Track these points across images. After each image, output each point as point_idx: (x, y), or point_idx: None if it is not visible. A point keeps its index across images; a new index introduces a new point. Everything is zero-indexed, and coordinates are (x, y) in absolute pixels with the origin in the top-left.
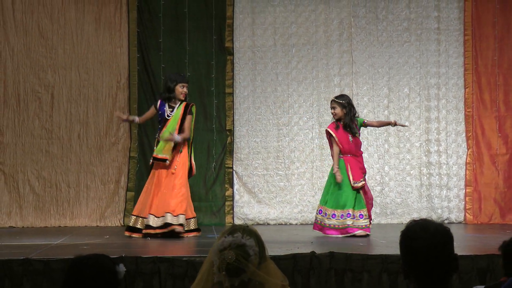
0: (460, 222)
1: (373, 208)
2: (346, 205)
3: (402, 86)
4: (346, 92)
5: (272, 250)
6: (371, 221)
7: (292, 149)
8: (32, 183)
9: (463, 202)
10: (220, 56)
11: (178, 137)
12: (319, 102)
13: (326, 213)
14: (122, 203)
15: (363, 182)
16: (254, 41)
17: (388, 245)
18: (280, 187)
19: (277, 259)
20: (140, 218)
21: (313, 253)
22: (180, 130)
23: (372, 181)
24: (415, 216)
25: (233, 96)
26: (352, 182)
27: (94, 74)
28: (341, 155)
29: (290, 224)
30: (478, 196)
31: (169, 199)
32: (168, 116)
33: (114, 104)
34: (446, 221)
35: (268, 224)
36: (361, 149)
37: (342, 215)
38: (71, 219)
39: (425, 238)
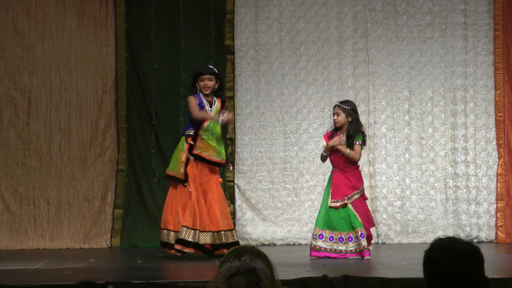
0: (491, 241)
1: (393, 226)
2: (336, 227)
3: (425, 88)
4: (362, 95)
5: (279, 274)
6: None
7: (301, 159)
8: (6, 200)
9: (494, 219)
10: (219, 56)
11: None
12: (331, 107)
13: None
14: (109, 222)
15: (343, 202)
16: (257, 38)
17: (409, 267)
18: (287, 203)
19: (285, 283)
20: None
21: (325, 276)
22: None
23: (391, 195)
24: (440, 234)
25: (234, 100)
26: (329, 201)
27: (77, 76)
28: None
29: (299, 244)
30: (511, 212)
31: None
32: (208, 111)
33: (99, 110)
34: (475, 240)
35: (275, 244)
36: (356, 165)
37: (332, 237)
38: (51, 240)
39: (452, 259)
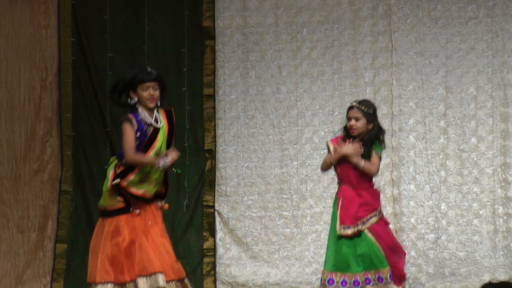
0: None
1: (424, 266)
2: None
3: (466, 85)
4: (384, 93)
5: None
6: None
7: (302, 178)
8: None
9: None
10: (195, 41)
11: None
12: (342, 109)
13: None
14: (49, 261)
15: (356, 229)
16: (245, 18)
17: None
18: (285, 236)
19: None
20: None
21: None
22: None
23: (422, 226)
24: (488, 278)
25: (214, 100)
26: (338, 227)
27: (7, 68)
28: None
29: None
30: None
31: None
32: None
33: (37, 112)
34: None
35: None
36: (371, 181)
37: (345, 281)
38: None
39: None
